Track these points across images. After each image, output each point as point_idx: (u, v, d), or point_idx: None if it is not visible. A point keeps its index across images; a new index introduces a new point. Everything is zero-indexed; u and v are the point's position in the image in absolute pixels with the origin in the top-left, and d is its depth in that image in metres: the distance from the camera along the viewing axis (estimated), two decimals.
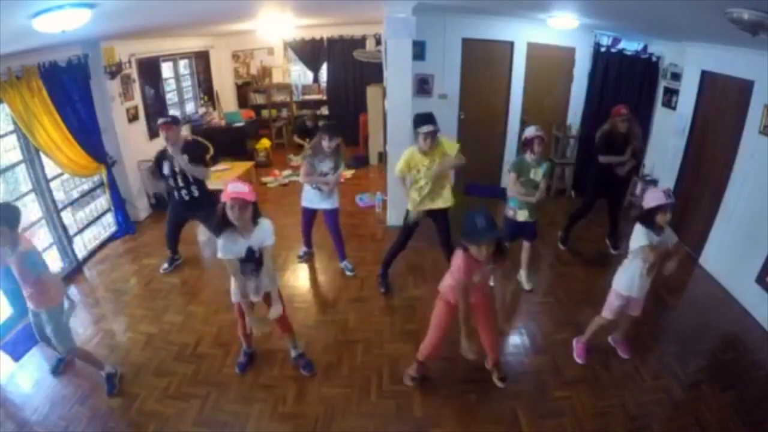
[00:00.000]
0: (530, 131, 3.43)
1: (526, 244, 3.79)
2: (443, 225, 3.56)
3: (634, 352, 3.05)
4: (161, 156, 3.68)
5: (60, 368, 3.02)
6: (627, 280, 2.72)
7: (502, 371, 2.85)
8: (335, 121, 7.79)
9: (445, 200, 3.48)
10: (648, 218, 2.52)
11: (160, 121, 3.59)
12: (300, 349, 3.03)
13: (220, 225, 2.33)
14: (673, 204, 2.49)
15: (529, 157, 3.43)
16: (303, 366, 2.97)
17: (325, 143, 3.57)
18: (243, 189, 2.26)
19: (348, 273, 4.09)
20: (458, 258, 2.26)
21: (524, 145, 3.48)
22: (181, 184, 3.70)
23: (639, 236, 2.55)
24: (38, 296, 2.57)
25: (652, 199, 2.52)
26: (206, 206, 3.65)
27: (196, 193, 3.76)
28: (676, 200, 2.58)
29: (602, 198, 4.34)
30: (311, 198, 3.87)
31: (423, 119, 3.19)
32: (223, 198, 2.28)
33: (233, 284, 2.56)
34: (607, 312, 2.87)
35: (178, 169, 3.63)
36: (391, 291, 3.81)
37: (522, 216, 3.58)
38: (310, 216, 4.03)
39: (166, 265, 4.20)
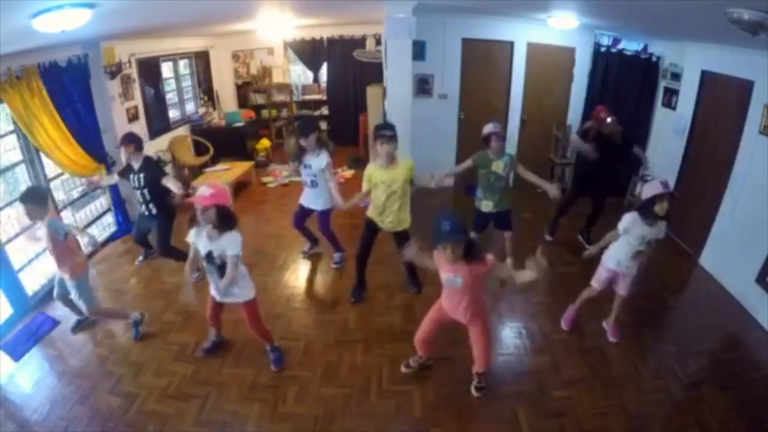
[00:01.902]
0: (488, 128, 3.56)
1: (506, 235, 3.85)
2: (400, 241, 3.35)
3: (621, 337, 3.18)
4: (127, 169, 3.75)
5: (78, 329, 3.37)
6: (614, 254, 2.96)
7: (482, 381, 2.74)
8: (331, 122, 7.86)
9: (399, 223, 3.38)
10: (647, 208, 2.70)
11: (122, 137, 3.72)
12: (275, 345, 3.04)
13: (192, 221, 2.53)
14: (670, 193, 2.66)
15: (490, 151, 3.56)
16: (273, 360, 3.00)
17: (303, 142, 3.61)
18: (204, 193, 2.41)
19: (333, 265, 4.15)
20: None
21: (483, 141, 3.59)
22: (140, 199, 3.76)
23: (624, 221, 2.81)
24: (64, 262, 2.96)
25: (649, 190, 2.70)
26: (158, 224, 3.84)
27: (153, 211, 3.78)
28: (673, 193, 2.72)
29: (586, 195, 4.42)
30: (305, 196, 3.92)
31: (381, 126, 3.28)
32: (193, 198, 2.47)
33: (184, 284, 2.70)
34: (595, 282, 3.11)
35: (137, 185, 3.69)
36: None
37: (486, 207, 3.70)
38: (301, 213, 4.03)
39: (140, 258, 4.36)
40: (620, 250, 2.91)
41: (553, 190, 3.48)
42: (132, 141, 3.67)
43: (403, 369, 2.91)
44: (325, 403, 2.73)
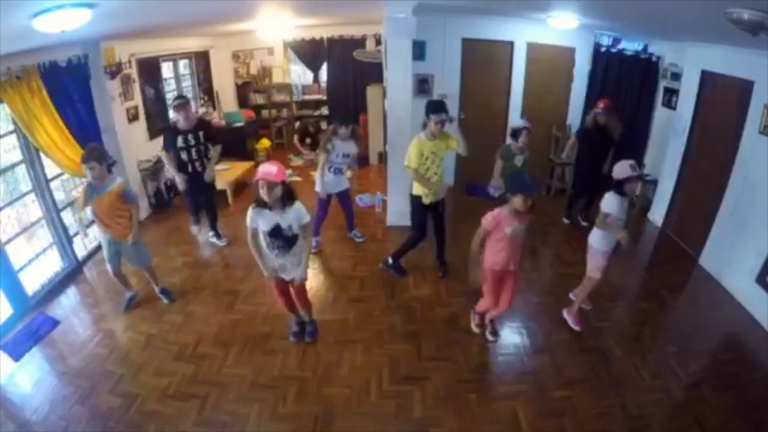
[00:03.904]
0: (519, 123, 4.04)
1: None
2: (440, 213, 3.84)
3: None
4: (174, 131, 4.11)
5: (131, 306, 3.64)
6: (605, 238, 3.05)
7: (496, 326, 3.25)
8: (331, 122, 7.89)
9: (444, 190, 3.77)
10: (620, 188, 2.88)
11: (177, 102, 4.10)
12: (313, 318, 3.26)
13: (257, 201, 2.61)
14: (639, 176, 2.88)
15: (514, 146, 3.94)
16: (309, 333, 3.22)
17: (342, 130, 3.99)
18: (271, 170, 2.50)
19: (358, 239, 4.58)
20: (489, 216, 2.70)
21: (513, 134, 3.97)
22: (194, 156, 4.17)
23: (607, 203, 2.93)
24: (125, 226, 3.30)
25: (620, 172, 2.87)
26: (210, 188, 4.41)
27: (207, 163, 4.26)
28: (645, 175, 2.92)
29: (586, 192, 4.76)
30: (332, 184, 4.19)
31: (436, 106, 3.46)
32: (255, 177, 2.53)
33: (259, 261, 2.82)
34: (596, 272, 3.15)
35: (194, 142, 4.11)
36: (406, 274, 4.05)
37: (499, 194, 3.99)
38: (328, 202, 4.30)
39: (195, 227, 4.76)
40: (611, 232, 2.99)
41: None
42: (189, 102, 4.20)
43: (476, 329, 3.28)
44: (325, 403, 2.73)
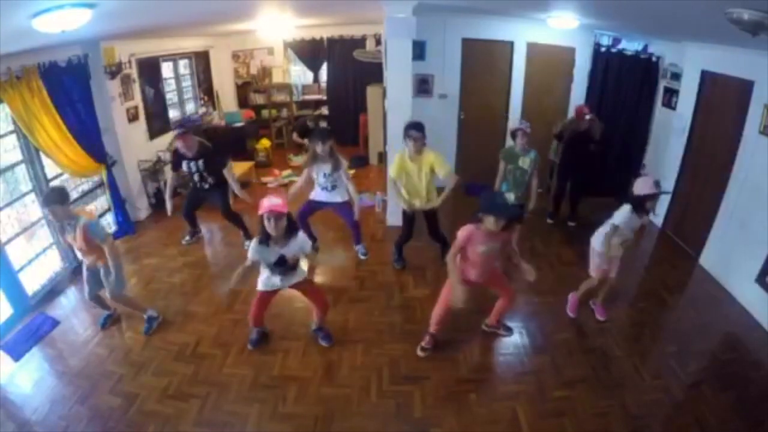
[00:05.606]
0: (515, 124, 4.02)
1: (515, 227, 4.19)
2: (431, 219, 3.96)
3: (608, 316, 3.40)
4: (180, 157, 4.16)
5: (108, 323, 3.45)
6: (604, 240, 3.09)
7: (504, 322, 3.27)
8: (331, 122, 7.93)
9: (431, 200, 3.82)
10: (640, 204, 2.91)
11: (177, 132, 4.24)
12: (320, 324, 3.24)
13: (263, 235, 2.64)
14: (660, 194, 2.93)
15: (516, 146, 3.86)
16: (323, 336, 3.21)
17: (318, 148, 3.75)
18: (277, 202, 2.55)
19: (361, 257, 4.32)
20: (463, 230, 2.62)
21: (511, 136, 3.98)
22: (197, 179, 4.28)
23: (619, 216, 2.97)
24: (99, 256, 3.09)
25: (643, 187, 2.90)
26: (218, 192, 4.39)
27: (212, 182, 4.30)
28: (668, 193, 3.06)
29: (569, 180, 4.96)
30: (318, 194, 4.02)
31: (412, 126, 3.60)
32: (261, 212, 2.57)
33: (242, 271, 2.80)
34: (593, 271, 3.26)
35: (195, 169, 4.18)
36: (406, 265, 4.16)
37: (509, 199, 4.06)
38: (313, 207, 4.11)
39: (187, 237, 4.72)
40: (610, 247, 3.05)
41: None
42: (189, 130, 4.30)
43: (420, 353, 3.07)
44: (325, 403, 2.74)
